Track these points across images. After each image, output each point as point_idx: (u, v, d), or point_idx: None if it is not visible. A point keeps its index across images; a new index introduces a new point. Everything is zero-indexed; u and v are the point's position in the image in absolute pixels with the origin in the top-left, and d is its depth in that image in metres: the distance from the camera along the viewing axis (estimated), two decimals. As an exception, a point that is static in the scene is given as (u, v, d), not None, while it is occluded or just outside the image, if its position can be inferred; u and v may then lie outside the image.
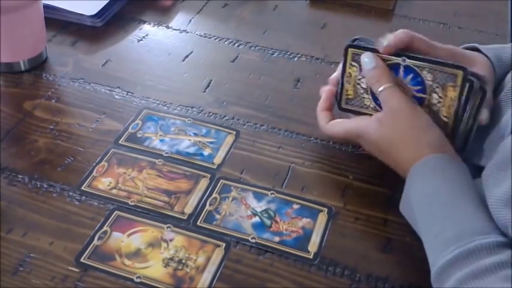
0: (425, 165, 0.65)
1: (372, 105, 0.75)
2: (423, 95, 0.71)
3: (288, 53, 0.96)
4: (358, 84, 0.75)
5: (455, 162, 0.66)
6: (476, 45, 0.78)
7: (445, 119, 0.71)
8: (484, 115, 0.71)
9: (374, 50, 0.73)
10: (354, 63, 0.74)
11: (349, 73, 0.75)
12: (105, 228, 0.68)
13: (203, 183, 0.73)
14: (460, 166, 0.66)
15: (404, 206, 0.67)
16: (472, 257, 0.55)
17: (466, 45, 0.78)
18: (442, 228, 0.60)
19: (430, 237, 0.61)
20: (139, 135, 0.80)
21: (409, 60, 0.71)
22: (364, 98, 0.75)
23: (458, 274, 0.55)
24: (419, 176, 0.65)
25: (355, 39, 0.76)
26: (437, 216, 0.61)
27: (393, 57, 0.72)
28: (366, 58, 0.73)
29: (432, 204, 0.63)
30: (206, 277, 0.63)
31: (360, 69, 0.74)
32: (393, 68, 0.72)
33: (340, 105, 0.77)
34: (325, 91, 0.79)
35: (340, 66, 0.76)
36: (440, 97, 0.71)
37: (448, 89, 0.70)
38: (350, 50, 0.74)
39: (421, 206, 0.64)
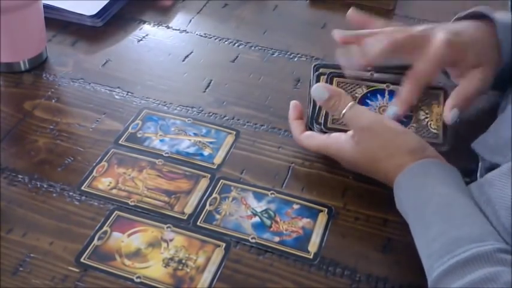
0: (409, 175, 0.65)
1: None
2: (410, 113, 0.75)
3: (288, 53, 0.96)
4: None
5: (439, 165, 0.65)
6: (483, 11, 0.76)
7: (434, 130, 0.74)
8: (452, 114, 0.73)
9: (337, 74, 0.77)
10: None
11: None
12: (105, 228, 0.68)
13: (203, 183, 0.73)
14: (445, 168, 0.65)
15: (399, 208, 0.67)
16: (470, 265, 0.54)
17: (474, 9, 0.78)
18: (436, 235, 0.59)
19: (424, 244, 0.60)
20: (139, 135, 0.80)
21: (393, 86, 0.76)
22: None
23: (457, 284, 0.54)
24: (405, 186, 0.65)
25: (317, 65, 0.79)
26: (429, 223, 0.60)
27: (377, 84, 0.77)
28: (317, 91, 0.72)
29: (423, 212, 0.62)
30: (206, 277, 0.63)
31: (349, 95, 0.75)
32: (377, 93, 0.76)
33: (326, 125, 0.75)
34: (293, 102, 0.79)
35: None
36: (426, 113, 0.75)
37: (432, 107, 0.75)
38: (335, 80, 0.78)
39: (412, 214, 0.63)
